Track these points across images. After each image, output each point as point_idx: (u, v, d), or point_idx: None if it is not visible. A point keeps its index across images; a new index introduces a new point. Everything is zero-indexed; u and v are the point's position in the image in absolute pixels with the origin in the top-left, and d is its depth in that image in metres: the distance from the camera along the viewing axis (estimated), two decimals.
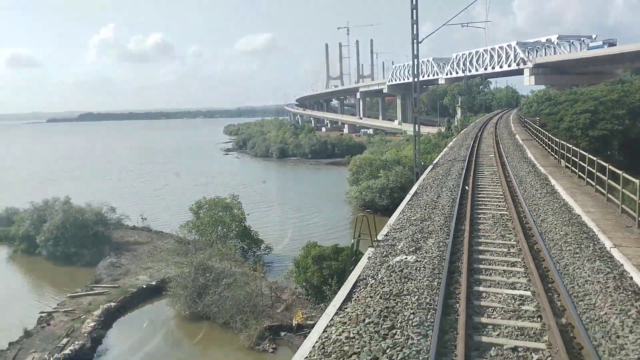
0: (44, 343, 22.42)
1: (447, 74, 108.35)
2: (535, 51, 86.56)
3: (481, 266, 10.90)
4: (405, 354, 7.09)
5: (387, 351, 7.22)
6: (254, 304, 24.22)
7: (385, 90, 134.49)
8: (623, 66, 76.10)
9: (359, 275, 10.93)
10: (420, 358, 7.02)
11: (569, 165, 23.38)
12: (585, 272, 10.12)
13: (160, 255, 33.83)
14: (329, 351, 7.51)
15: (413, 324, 7.97)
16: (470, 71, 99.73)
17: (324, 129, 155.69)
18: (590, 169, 19.17)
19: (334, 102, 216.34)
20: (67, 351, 21.23)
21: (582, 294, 9.09)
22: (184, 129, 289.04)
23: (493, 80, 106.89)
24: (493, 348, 7.30)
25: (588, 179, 19.71)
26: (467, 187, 19.33)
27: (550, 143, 29.53)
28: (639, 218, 13.15)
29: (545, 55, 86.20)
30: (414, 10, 23.76)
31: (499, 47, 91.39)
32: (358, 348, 7.37)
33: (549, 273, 10.17)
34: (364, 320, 8.31)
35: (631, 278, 9.72)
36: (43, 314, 25.71)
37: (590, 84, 68.41)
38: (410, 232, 13.80)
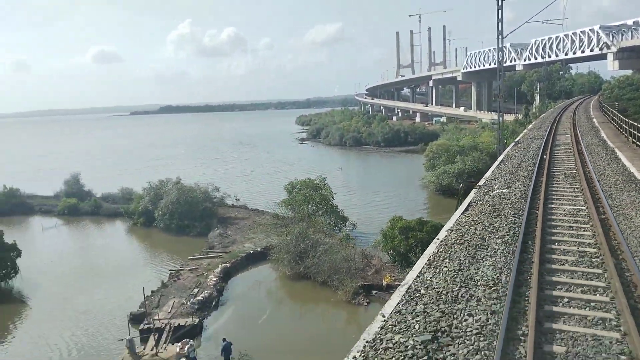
0: (179, 292, 27.55)
1: (525, 60, 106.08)
2: (620, 34, 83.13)
3: (553, 196, 16.08)
4: (508, 222, 13.15)
5: (495, 221, 13.42)
6: (348, 266, 27.96)
7: (459, 78, 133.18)
8: None
9: (470, 200, 16.62)
10: (517, 223, 12.88)
11: (635, 141, 25.80)
12: (624, 198, 15.01)
13: (260, 228, 38.58)
14: (456, 229, 13.15)
15: (510, 215, 13.88)
16: (549, 57, 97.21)
17: (394, 118, 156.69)
18: None
19: (405, 91, 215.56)
20: (199, 297, 26.14)
21: (618, 205, 14.16)
22: (257, 120, 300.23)
23: (574, 65, 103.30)
24: (558, 222, 13.02)
25: None
26: (545, 156, 22.61)
27: (622, 124, 31.05)
28: None
29: (631, 39, 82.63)
30: (499, 11, 26.20)
31: (581, 32, 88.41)
32: (479, 221, 13.63)
33: (599, 199, 14.75)
34: (481, 212, 14.74)
35: None
36: (172, 271, 31.14)
37: None
38: (502, 180, 19.31)
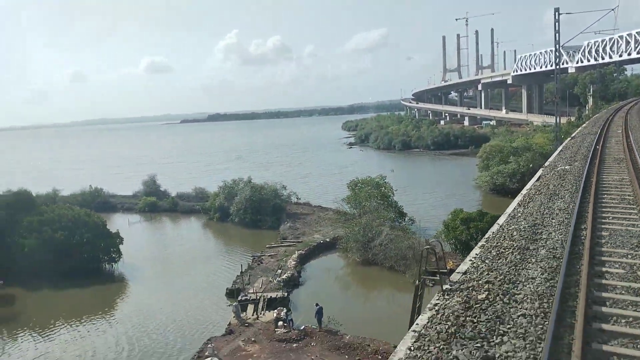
0: (264, 272, 31.45)
1: (577, 62, 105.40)
2: None
3: (605, 171, 21.04)
4: (572, 183, 18.99)
5: (563, 182, 19.41)
6: (414, 253, 31.00)
7: (509, 81, 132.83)
8: None
9: (539, 175, 22.17)
10: (574, 187, 18.16)
11: None
12: None
13: (325, 222, 42.24)
14: (535, 186, 19.28)
15: (571, 182, 19.37)
16: (602, 59, 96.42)
17: (442, 122, 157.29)
18: None
19: (452, 95, 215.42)
20: (284, 277, 29.94)
21: None
22: (303, 126, 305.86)
23: (629, 67, 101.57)
24: (608, 185, 18.01)
25: None
26: (597, 147, 26.32)
27: None
28: None
29: None
30: (556, 23, 28.77)
31: (636, 33, 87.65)
32: (550, 182, 19.65)
33: None
34: (550, 179, 20.57)
35: None
36: (255, 256, 35.19)
37: None
38: (563, 162, 24.83)
